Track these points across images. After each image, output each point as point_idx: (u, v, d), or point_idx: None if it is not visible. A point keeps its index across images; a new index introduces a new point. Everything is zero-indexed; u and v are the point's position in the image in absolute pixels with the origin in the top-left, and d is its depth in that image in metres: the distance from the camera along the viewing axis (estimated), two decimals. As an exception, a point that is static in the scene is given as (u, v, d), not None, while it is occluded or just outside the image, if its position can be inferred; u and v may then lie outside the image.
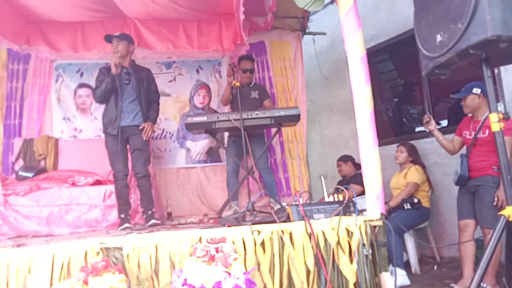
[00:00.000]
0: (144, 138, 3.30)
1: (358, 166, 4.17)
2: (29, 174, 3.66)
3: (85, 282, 1.74)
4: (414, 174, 3.44)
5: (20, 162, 3.89)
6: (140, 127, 3.29)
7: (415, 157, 3.58)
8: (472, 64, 1.82)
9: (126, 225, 3.07)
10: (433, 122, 3.01)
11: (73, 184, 3.55)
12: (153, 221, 3.16)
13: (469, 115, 2.91)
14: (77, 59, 4.29)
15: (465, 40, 1.61)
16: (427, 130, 3.23)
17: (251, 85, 4.02)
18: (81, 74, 4.37)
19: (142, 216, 3.35)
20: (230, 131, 4.01)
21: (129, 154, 3.37)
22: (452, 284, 2.80)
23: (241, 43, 3.94)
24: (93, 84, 4.31)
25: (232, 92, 3.90)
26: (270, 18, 3.78)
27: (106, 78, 3.22)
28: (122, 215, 3.17)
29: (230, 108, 4.02)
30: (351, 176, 4.14)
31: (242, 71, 3.90)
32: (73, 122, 4.29)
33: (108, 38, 3.33)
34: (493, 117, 1.75)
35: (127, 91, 3.30)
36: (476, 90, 2.74)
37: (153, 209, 3.32)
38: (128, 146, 3.35)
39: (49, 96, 4.26)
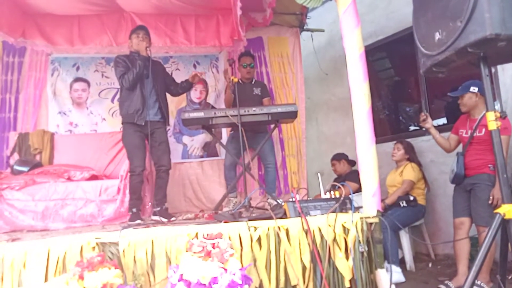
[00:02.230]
0: (193, 81, 3.51)
1: (352, 163, 4.19)
2: (25, 169, 3.63)
3: (81, 277, 1.73)
4: (410, 172, 3.45)
5: (15, 156, 3.85)
6: (192, 75, 3.51)
7: (411, 155, 3.60)
8: (470, 62, 1.82)
9: (138, 221, 3.04)
10: (429, 120, 3.02)
11: (69, 178, 3.53)
12: (161, 218, 3.16)
13: (466, 113, 2.93)
14: (73, 53, 4.26)
15: (464, 38, 1.61)
16: (424, 128, 3.24)
17: (252, 82, 4.01)
18: (77, 68, 4.33)
19: (152, 208, 3.35)
20: (228, 127, 4.00)
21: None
22: (446, 281, 2.82)
23: (239, 39, 3.93)
24: (89, 78, 4.34)
25: (230, 88, 3.89)
26: (269, 14, 3.76)
27: (131, 63, 3.21)
28: (134, 209, 3.15)
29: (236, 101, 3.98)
30: (346, 173, 4.16)
31: (242, 66, 3.89)
32: (69, 117, 4.26)
33: (138, 28, 3.37)
34: (490, 116, 1.75)
35: (147, 85, 3.30)
36: (473, 89, 2.74)
37: (167, 205, 3.35)
38: (146, 141, 3.34)
39: (45, 90, 4.22)
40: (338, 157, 4.27)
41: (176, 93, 3.64)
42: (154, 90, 3.33)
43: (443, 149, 3.10)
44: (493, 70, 3.34)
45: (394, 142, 3.72)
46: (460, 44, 1.63)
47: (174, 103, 4.39)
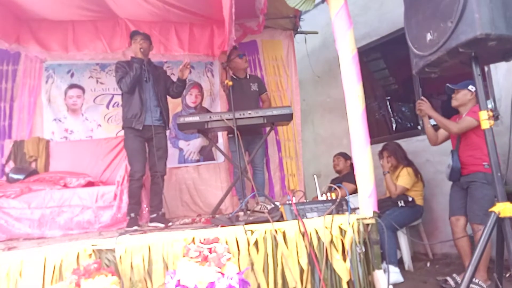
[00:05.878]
0: (183, 76, 3.39)
1: (352, 166, 4.18)
2: (20, 176, 3.61)
3: (77, 285, 1.72)
4: (405, 178, 3.44)
5: (11, 164, 3.83)
6: (179, 69, 3.38)
7: (400, 157, 3.56)
8: (462, 62, 1.83)
9: (136, 227, 3.03)
10: (426, 104, 3.00)
11: (65, 185, 3.51)
12: (159, 224, 3.15)
13: (458, 113, 2.97)
14: (67, 59, 4.24)
15: (455, 38, 1.62)
16: (419, 126, 3.26)
17: (248, 77, 3.99)
18: (72, 75, 4.31)
19: (149, 214, 3.35)
20: (224, 130, 4.00)
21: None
22: (454, 275, 2.85)
23: (229, 46, 3.84)
24: (84, 85, 4.33)
25: (225, 92, 3.88)
26: (262, 20, 3.76)
27: (130, 68, 3.20)
28: (132, 214, 3.15)
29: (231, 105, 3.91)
30: (344, 174, 4.16)
31: (239, 57, 3.83)
32: (64, 123, 4.24)
33: (135, 33, 3.38)
34: (483, 115, 1.76)
35: (148, 89, 3.30)
36: (471, 88, 2.80)
37: (163, 211, 3.34)
38: (147, 145, 3.34)
39: (40, 97, 4.20)
40: (346, 156, 4.25)
41: (173, 94, 3.56)
42: (155, 94, 3.33)
43: (429, 140, 3.15)
44: (486, 69, 3.36)
45: (378, 152, 3.64)
46: (451, 44, 1.64)
47: (169, 107, 4.38)
